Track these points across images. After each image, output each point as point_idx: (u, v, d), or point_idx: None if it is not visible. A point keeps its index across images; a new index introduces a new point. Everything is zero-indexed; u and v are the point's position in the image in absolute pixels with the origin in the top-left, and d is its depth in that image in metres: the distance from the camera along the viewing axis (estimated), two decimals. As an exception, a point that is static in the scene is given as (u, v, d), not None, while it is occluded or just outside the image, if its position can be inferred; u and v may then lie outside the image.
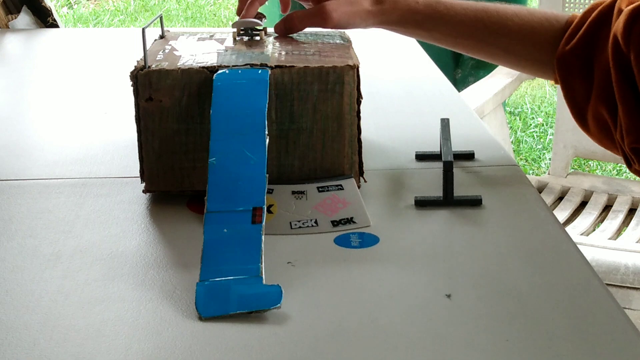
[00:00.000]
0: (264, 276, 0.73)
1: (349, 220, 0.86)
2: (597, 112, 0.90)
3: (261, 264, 0.74)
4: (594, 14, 0.91)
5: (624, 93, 0.86)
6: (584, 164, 3.23)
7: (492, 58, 0.95)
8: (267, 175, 0.80)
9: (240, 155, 0.81)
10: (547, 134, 3.51)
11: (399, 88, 1.34)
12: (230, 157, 0.81)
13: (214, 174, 0.80)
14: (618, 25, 0.86)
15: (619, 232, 1.90)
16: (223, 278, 0.73)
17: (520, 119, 3.67)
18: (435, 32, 0.90)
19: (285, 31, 0.96)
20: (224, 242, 0.76)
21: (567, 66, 0.91)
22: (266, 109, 0.84)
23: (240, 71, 0.87)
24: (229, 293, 0.71)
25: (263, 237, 0.75)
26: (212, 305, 0.70)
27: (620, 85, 0.86)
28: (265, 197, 0.79)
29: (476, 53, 0.94)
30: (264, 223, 0.77)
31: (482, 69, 2.64)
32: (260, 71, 0.87)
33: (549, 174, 2.17)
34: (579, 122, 0.93)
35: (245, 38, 0.98)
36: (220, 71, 0.87)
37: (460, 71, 2.70)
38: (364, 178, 0.93)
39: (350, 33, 1.04)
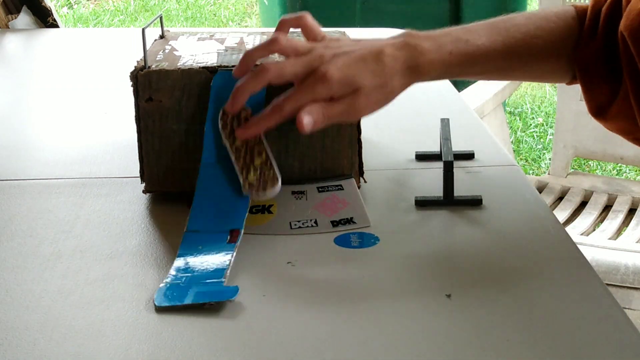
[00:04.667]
0: (226, 280, 0.73)
1: (349, 221, 0.86)
2: (623, 109, 0.88)
3: (227, 270, 0.74)
4: (604, 9, 0.89)
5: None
6: (584, 164, 3.23)
7: (513, 80, 0.94)
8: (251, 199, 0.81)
9: (228, 177, 0.82)
10: (547, 134, 3.51)
11: (399, 88, 1.34)
12: (218, 178, 0.83)
13: (200, 194, 0.82)
14: (627, 24, 0.85)
15: (619, 232, 1.90)
16: (187, 275, 0.74)
17: (520, 119, 3.67)
18: (467, 74, 0.88)
19: (308, 125, 0.78)
20: (197, 256, 0.77)
21: (588, 69, 0.89)
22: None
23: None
24: (188, 290, 0.72)
25: (235, 253, 0.77)
26: (169, 297, 0.71)
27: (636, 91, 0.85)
28: (244, 220, 0.80)
29: (501, 79, 0.93)
30: (238, 243, 0.78)
31: (482, 69, 2.64)
32: None
33: (549, 174, 2.17)
34: (598, 117, 0.91)
35: None
36: (217, 75, 0.86)
37: (460, 71, 2.70)
38: (364, 178, 0.93)
39: (349, 33, 1.04)
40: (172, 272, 0.75)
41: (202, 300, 0.70)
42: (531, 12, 0.91)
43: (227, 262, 0.75)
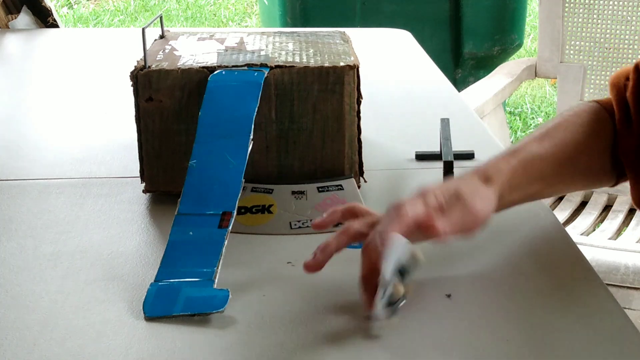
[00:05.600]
0: (216, 280, 0.73)
1: (349, 220, 0.85)
2: None
3: (217, 267, 0.74)
4: (630, 96, 0.87)
5: None
6: (584, 164, 3.23)
7: (565, 189, 0.90)
8: (244, 180, 0.80)
9: (220, 159, 0.82)
10: (547, 134, 3.51)
11: (399, 88, 1.34)
12: (210, 160, 0.82)
13: (192, 176, 0.81)
14: None
15: (619, 232, 1.90)
16: (176, 280, 0.73)
17: (520, 119, 3.67)
18: (529, 184, 0.83)
19: (445, 228, 0.72)
20: (187, 245, 0.76)
21: (635, 159, 0.87)
22: (254, 114, 0.84)
23: (236, 72, 0.87)
24: (178, 295, 0.72)
25: (226, 242, 0.76)
26: (158, 306, 0.71)
27: None
28: (237, 203, 0.79)
29: (556, 189, 0.90)
30: (229, 228, 0.77)
31: (482, 69, 2.64)
32: (256, 73, 0.86)
33: (549, 174, 2.17)
34: None
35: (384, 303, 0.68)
36: (216, 72, 0.87)
37: (460, 71, 2.70)
38: (364, 178, 0.93)
39: (349, 33, 1.04)
40: (162, 267, 0.75)
41: (191, 312, 0.70)
42: (562, 119, 0.88)
43: (218, 257, 0.75)
